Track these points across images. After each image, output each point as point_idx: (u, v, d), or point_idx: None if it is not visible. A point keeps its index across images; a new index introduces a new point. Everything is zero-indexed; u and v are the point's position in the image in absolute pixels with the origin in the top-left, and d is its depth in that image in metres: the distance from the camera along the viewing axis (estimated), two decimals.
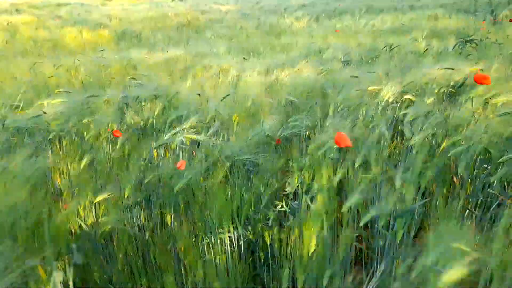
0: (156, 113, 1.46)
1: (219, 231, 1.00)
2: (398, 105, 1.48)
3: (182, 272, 1.11)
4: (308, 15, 7.10)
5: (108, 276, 1.15)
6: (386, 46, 2.75)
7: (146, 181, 1.12)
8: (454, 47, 2.34)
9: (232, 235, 1.02)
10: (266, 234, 1.07)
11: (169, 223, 1.15)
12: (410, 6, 7.60)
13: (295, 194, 1.10)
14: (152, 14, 8.19)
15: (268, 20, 6.71)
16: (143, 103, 1.52)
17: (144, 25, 6.58)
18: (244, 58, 2.81)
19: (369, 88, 1.51)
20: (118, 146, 1.29)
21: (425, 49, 2.58)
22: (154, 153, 1.30)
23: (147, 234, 1.17)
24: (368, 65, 2.42)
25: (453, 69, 1.59)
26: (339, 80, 1.70)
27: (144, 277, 1.13)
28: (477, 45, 2.25)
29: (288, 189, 0.99)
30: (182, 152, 1.34)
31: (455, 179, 0.92)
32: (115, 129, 1.35)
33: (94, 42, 4.99)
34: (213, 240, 1.02)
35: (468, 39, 2.27)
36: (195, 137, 1.17)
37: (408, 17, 5.79)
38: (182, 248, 1.05)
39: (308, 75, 1.96)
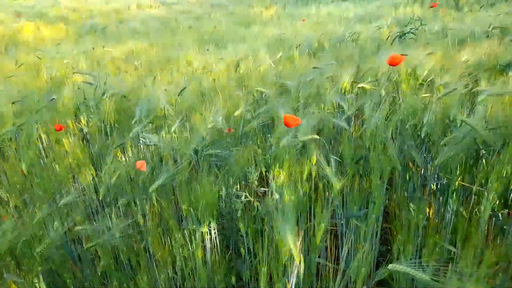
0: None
1: (193, 226, 1.00)
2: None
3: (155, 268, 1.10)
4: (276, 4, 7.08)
5: (80, 280, 1.13)
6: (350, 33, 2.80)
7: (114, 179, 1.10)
8: (387, 38, 2.44)
9: (206, 229, 1.02)
10: (241, 226, 1.07)
11: (141, 222, 1.14)
12: None
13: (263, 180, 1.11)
14: (115, 6, 7.91)
15: (237, 10, 6.64)
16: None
17: (107, 19, 6.35)
18: (207, 50, 2.78)
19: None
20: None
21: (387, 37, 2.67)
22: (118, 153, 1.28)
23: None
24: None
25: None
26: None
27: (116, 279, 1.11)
28: (415, 35, 2.33)
29: (253, 178, 1.00)
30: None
31: (410, 164, 0.97)
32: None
33: (53, 38, 4.78)
34: (187, 234, 1.02)
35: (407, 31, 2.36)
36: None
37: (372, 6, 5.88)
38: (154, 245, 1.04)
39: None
